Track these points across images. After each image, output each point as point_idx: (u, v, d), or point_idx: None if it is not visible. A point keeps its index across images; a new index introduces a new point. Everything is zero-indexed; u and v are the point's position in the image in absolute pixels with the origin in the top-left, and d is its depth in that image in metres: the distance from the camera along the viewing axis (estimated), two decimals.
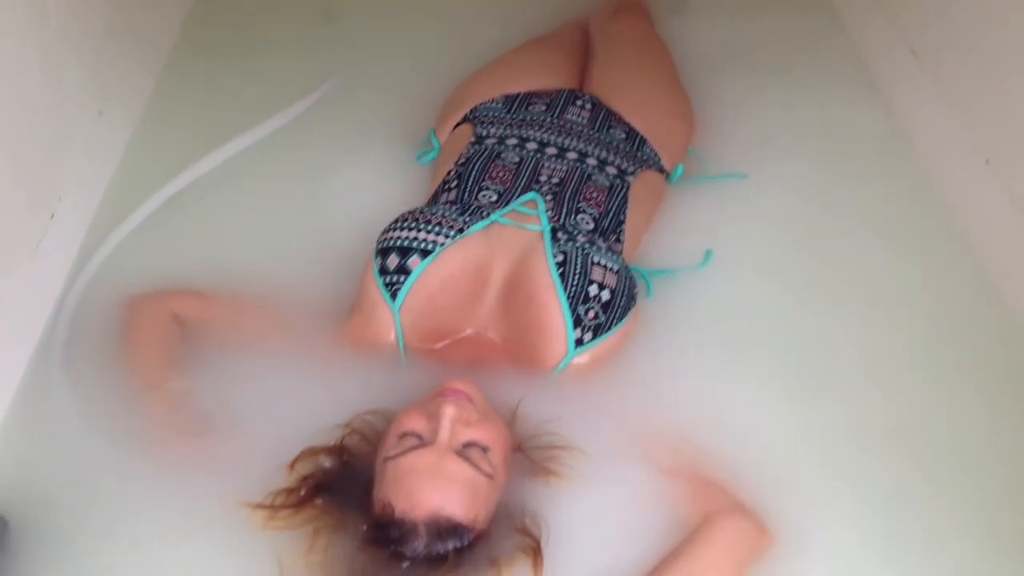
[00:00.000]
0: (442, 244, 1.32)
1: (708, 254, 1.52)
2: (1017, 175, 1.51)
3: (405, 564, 1.06)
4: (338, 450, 1.19)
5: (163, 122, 1.82)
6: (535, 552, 1.12)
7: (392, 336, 1.32)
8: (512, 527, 1.14)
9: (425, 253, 1.32)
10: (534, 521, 1.15)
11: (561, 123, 1.55)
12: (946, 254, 1.57)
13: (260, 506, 1.14)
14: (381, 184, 1.66)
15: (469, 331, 1.35)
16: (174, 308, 1.37)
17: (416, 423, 1.13)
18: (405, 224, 1.35)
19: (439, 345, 1.34)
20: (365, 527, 1.09)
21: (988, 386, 1.37)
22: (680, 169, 1.61)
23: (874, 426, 1.32)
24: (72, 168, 1.57)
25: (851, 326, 1.45)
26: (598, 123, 1.57)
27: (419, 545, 1.05)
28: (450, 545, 1.06)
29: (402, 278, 1.31)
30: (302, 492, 1.15)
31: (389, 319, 1.32)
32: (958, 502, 1.24)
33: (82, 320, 1.42)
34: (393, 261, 1.32)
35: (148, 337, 1.34)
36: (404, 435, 1.13)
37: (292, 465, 1.18)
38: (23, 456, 1.27)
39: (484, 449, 1.12)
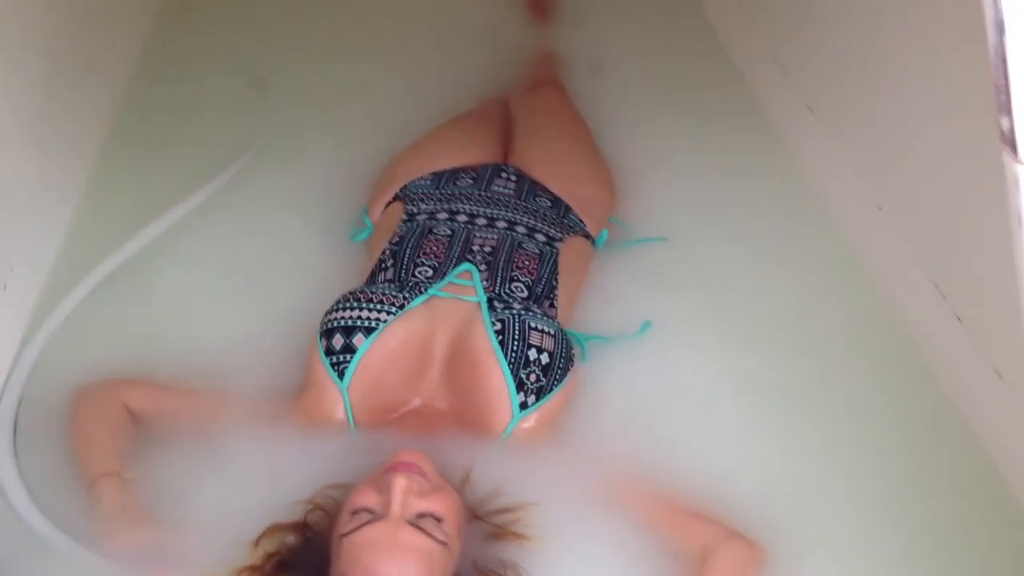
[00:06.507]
0: (384, 321, 1.38)
1: (646, 325, 1.59)
2: (906, 218, 1.64)
3: None
4: (301, 527, 1.21)
5: (107, 192, 1.87)
6: None
7: (342, 413, 1.36)
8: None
9: (369, 331, 1.37)
10: (511, 567, 1.20)
11: (488, 194, 1.63)
12: (852, 297, 1.69)
13: None
14: (317, 260, 1.72)
15: (417, 402, 1.39)
16: (124, 397, 1.39)
17: (368, 498, 1.15)
18: (347, 305, 1.40)
19: (389, 418, 1.38)
20: None
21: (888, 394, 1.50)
22: (605, 235, 1.70)
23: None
24: (22, 238, 1.61)
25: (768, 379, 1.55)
26: (524, 193, 1.65)
27: None
28: None
29: (348, 357, 1.36)
30: (266, 569, 1.17)
31: (338, 398, 1.36)
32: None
33: (31, 404, 1.44)
34: (338, 341, 1.37)
35: (98, 427, 1.35)
36: (356, 511, 1.15)
37: (256, 542, 1.20)
38: None
39: (438, 520, 1.15)
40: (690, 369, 1.55)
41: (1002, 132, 0.78)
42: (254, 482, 1.32)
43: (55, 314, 1.57)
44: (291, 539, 1.21)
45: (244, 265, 1.72)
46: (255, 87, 2.18)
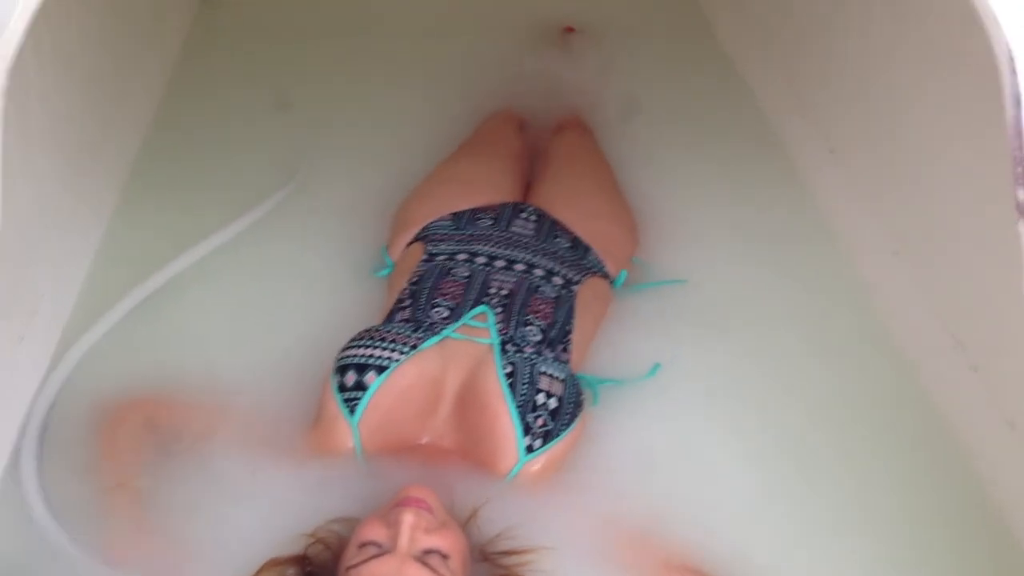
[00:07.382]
0: (397, 360, 1.38)
1: (656, 367, 1.59)
2: (922, 265, 1.65)
3: None
4: (301, 560, 1.22)
5: (131, 225, 1.90)
6: None
7: (351, 448, 1.37)
8: None
9: (381, 369, 1.38)
10: None
11: (508, 236, 1.64)
12: (868, 343, 1.68)
13: None
14: (338, 295, 1.73)
15: (425, 440, 1.40)
16: (147, 413, 1.44)
17: (376, 532, 1.17)
18: (362, 343, 1.42)
19: (397, 454, 1.38)
20: None
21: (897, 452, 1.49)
22: (624, 275, 1.70)
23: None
24: (53, 264, 1.64)
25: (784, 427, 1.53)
26: (543, 234, 1.66)
27: None
28: None
29: (360, 394, 1.37)
30: None
31: (348, 432, 1.37)
32: None
33: (56, 417, 1.48)
34: (351, 378, 1.38)
35: (119, 438, 1.41)
36: (364, 544, 1.16)
37: None
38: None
39: (444, 556, 1.15)
40: (703, 413, 1.55)
41: (1018, 203, 0.78)
42: (261, 510, 1.34)
43: (84, 338, 1.60)
44: (290, 573, 1.21)
45: (266, 297, 1.74)
46: (280, 105, 2.23)
